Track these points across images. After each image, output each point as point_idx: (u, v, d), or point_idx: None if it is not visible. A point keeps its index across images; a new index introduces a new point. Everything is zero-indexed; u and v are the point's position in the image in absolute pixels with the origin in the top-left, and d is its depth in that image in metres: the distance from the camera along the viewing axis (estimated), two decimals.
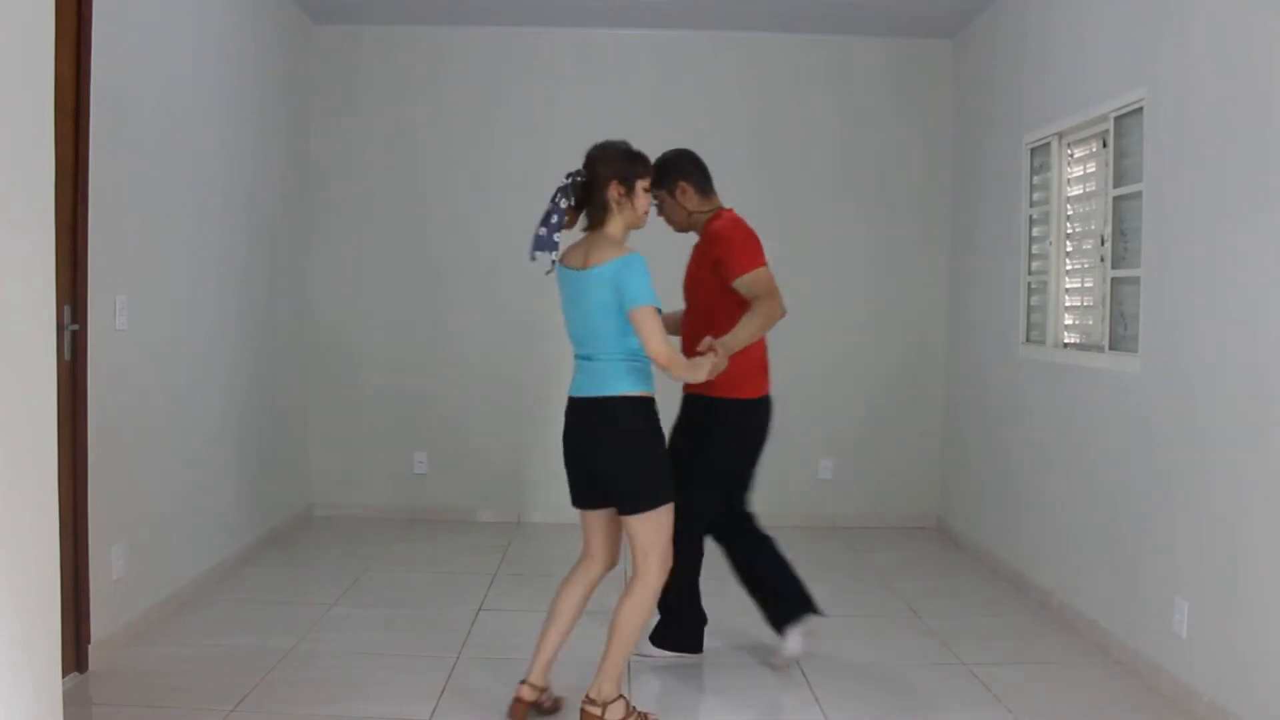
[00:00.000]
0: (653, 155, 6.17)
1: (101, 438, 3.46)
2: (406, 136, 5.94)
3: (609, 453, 2.96)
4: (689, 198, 3.58)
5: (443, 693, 3.36)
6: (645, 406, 2.98)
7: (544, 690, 3.14)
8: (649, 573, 2.97)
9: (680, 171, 3.56)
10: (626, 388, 2.95)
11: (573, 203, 3.03)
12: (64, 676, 2.90)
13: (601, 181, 3.00)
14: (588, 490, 3.09)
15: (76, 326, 3.34)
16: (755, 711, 3.31)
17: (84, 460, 3.36)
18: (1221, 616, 3.20)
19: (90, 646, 3.40)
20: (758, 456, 3.66)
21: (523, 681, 3.12)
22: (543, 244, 2.97)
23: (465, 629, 4.00)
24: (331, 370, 5.97)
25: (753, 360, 3.51)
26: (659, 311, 2.89)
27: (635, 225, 3.07)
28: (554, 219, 2.99)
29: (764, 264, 3.44)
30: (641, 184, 3.04)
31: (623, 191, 3.01)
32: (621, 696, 3.00)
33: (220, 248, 4.59)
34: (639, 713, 3.04)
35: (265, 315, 5.20)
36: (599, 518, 3.11)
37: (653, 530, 2.95)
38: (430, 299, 5.97)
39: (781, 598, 3.63)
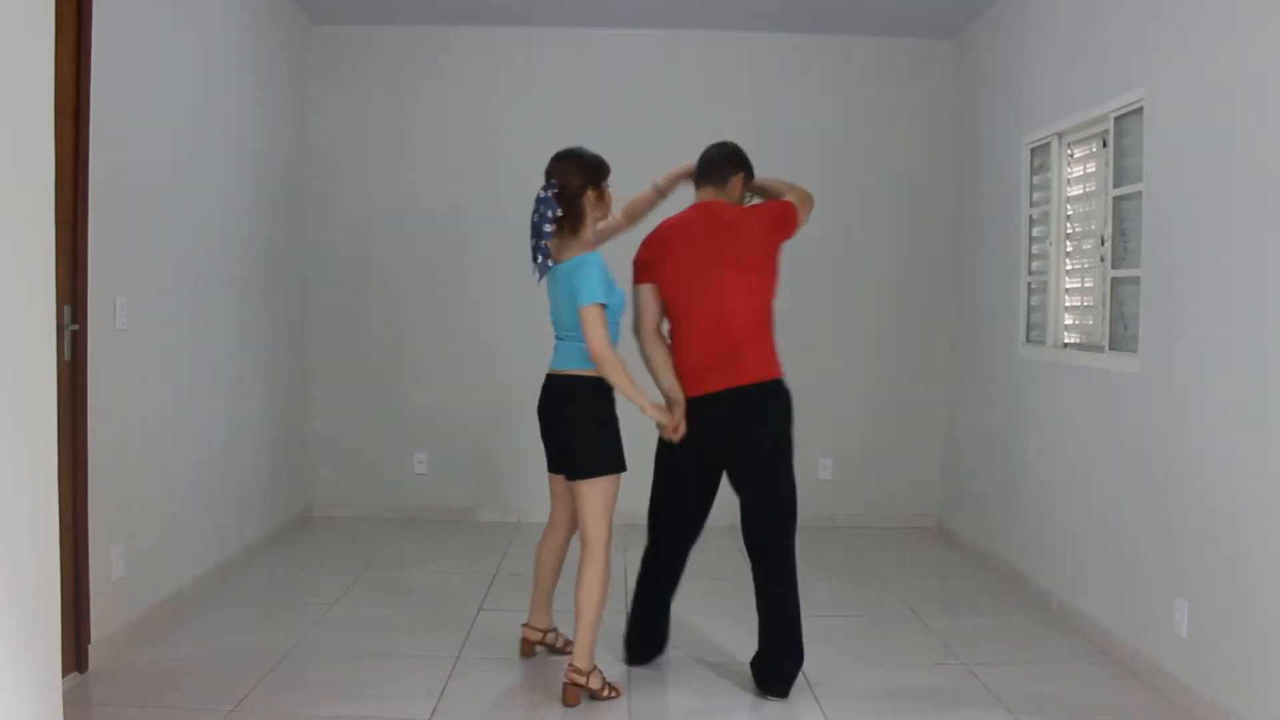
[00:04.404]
0: (649, 153, 6.19)
1: (101, 438, 3.46)
2: (406, 136, 5.94)
3: (566, 421, 3.35)
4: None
5: (443, 693, 3.36)
6: (602, 384, 3.31)
7: (547, 631, 3.68)
8: (598, 541, 3.27)
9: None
10: (588, 366, 3.30)
11: (559, 213, 3.30)
12: (64, 676, 2.90)
13: (576, 190, 3.33)
14: (555, 456, 3.47)
15: (76, 326, 3.34)
16: (755, 712, 3.30)
17: (84, 460, 3.36)
18: (1221, 616, 3.20)
19: (90, 646, 3.41)
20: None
21: (524, 624, 3.72)
22: (544, 263, 3.29)
23: (465, 629, 4.00)
24: (331, 370, 5.97)
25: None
26: (604, 309, 3.22)
27: (605, 218, 3.46)
28: (546, 229, 3.28)
29: (634, 287, 3.51)
30: (606, 185, 3.41)
31: (597, 195, 3.37)
32: (596, 667, 3.34)
33: (220, 247, 4.59)
34: (610, 684, 3.38)
35: (264, 314, 5.20)
36: (561, 483, 3.53)
37: (597, 496, 3.27)
38: (430, 298, 5.97)
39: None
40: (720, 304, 3.40)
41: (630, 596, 3.75)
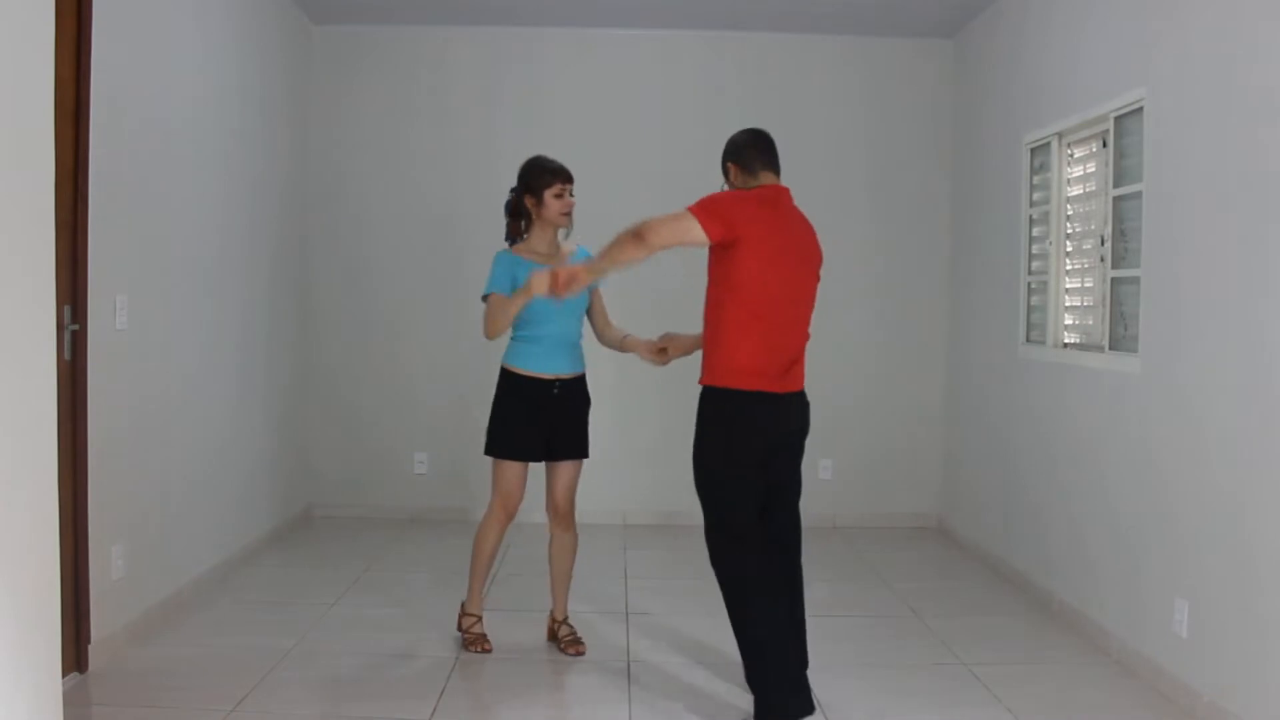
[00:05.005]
0: (649, 153, 6.17)
1: (101, 438, 3.45)
2: (406, 136, 5.94)
3: None
4: (735, 177, 3.32)
5: (443, 693, 3.36)
6: (509, 378, 3.70)
7: (557, 622, 3.80)
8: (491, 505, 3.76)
9: (727, 154, 3.36)
10: (507, 360, 3.71)
11: (509, 215, 3.70)
12: (64, 676, 2.90)
13: (518, 195, 3.65)
14: None
15: (76, 326, 3.34)
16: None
17: (84, 460, 3.36)
18: (1221, 616, 3.20)
19: (90, 646, 3.40)
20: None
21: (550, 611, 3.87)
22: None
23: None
24: (331, 370, 5.97)
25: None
26: (491, 299, 3.59)
27: (557, 225, 3.65)
28: (506, 228, 3.73)
29: (692, 212, 3.04)
30: (550, 193, 3.59)
31: (534, 201, 3.60)
32: (476, 617, 3.76)
33: (219, 247, 4.59)
34: (480, 639, 3.72)
35: (264, 315, 5.20)
36: (551, 474, 3.85)
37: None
38: (430, 298, 5.97)
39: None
40: (805, 300, 3.26)
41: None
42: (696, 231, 3.04)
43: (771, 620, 3.12)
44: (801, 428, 3.35)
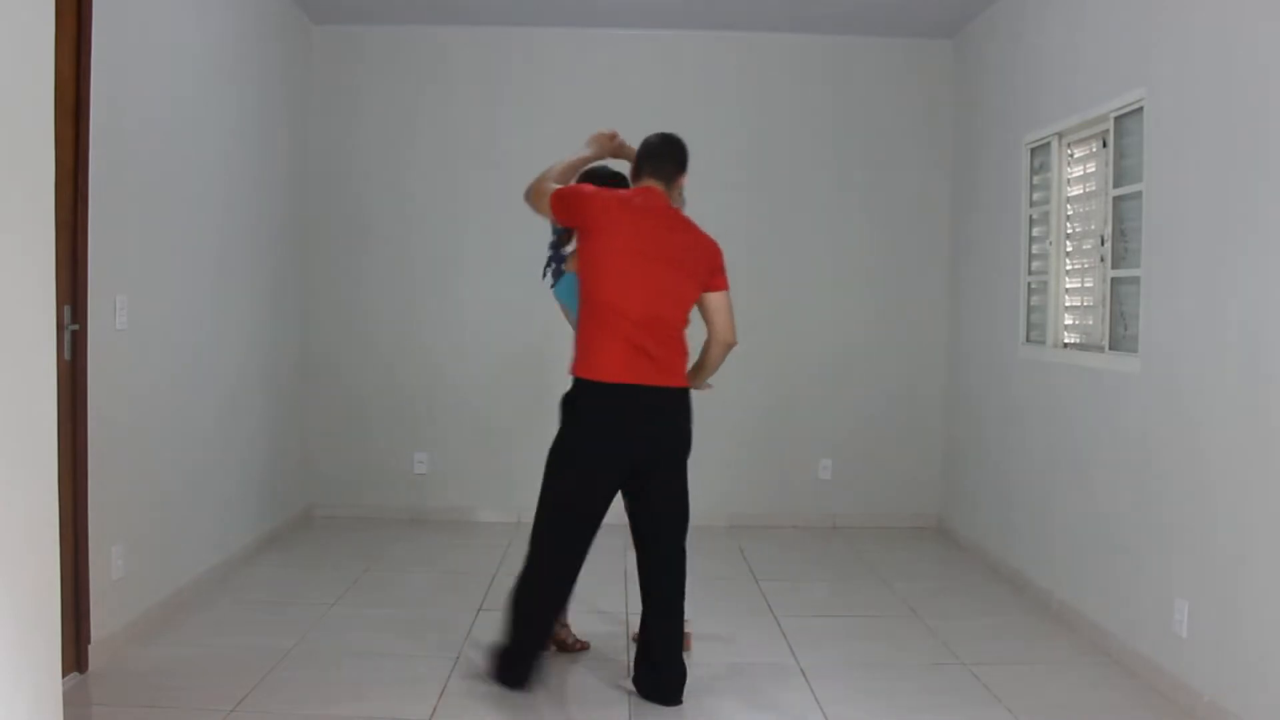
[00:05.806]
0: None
1: (101, 438, 3.45)
2: (406, 136, 5.94)
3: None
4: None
5: (443, 693, 3.36)
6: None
7: (562, 627, 3.71)
8: None
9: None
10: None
11: (560, 231, 3.53)
12: (64, 676, 2.90)
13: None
14: None
15: (76, 326, 3.34)
16: (755, 711, 3.30)
17: (84, 460, 3.36)
18: (1221, 616, 3.20)
19: (90, 646, 3.40)
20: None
21: None
22: (555, 270, 3.57)
23: (465, 629, 4.00)
24: (331, 370, 5.97)
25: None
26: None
27: None
28: (550, 243, 3.60)
29: (556, 189, 3.30)
30: None
31: None
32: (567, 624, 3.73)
33: (220, 247, 4.59)
34: (578, 640, 3.75)
35: (265, 315, 5.20)
36: None
37: None
38: (430, 298, 5.97)
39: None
40: (669, 301, 3.23)
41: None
42: (546, 205, 3.31)
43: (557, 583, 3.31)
44: (674, 435, 3.27)
